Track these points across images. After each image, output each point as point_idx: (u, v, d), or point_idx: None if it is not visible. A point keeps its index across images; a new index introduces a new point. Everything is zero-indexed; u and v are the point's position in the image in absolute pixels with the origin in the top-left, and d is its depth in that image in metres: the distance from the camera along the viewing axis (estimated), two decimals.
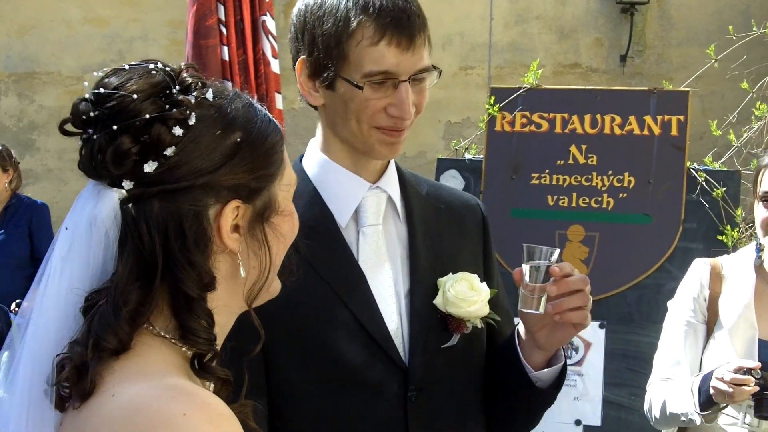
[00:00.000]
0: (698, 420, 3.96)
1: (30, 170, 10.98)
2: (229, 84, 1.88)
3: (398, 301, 2.62)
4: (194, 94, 1.85)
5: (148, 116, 1.77)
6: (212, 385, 1.86)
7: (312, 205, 2.59)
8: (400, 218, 2.70)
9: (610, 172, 5.73)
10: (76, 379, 1.74)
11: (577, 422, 5.69)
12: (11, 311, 6.68)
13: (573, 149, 5.76)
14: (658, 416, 4.29)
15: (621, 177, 5.71)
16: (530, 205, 5.79)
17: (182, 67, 1.92)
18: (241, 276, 1.89)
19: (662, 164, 5.68)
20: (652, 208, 5.67)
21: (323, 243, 2.56)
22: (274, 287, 2.02)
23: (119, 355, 1.76)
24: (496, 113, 5.83)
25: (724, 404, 3.90)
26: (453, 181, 5.94)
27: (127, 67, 1.88)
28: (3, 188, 8.30)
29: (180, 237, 1.79)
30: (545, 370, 2.67)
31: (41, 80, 11.47)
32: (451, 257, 2.72)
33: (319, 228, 2.57)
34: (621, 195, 5.71)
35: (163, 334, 1.81)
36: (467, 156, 6.10)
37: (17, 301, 6.76)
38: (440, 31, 10.96)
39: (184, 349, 1.82)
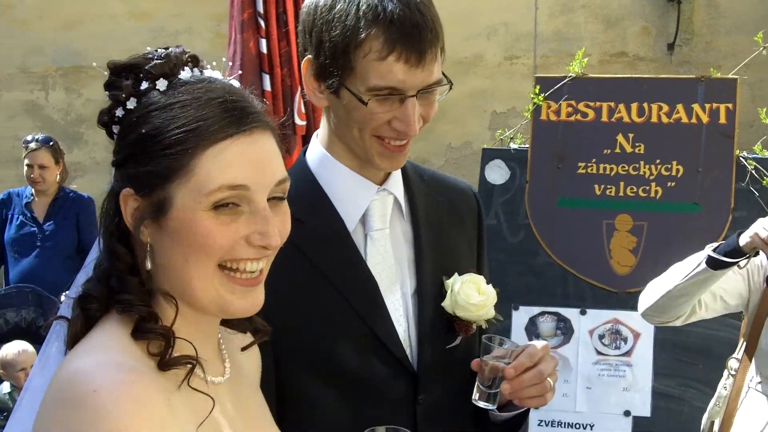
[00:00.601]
0: (704, 272, 4.08)
1: (78, 163, 11.08)
2: (236, 82, 1.82)
3: (405, 303, 2.60)
4: (149, 81, 1.94)
5: (107, 92, 1.97)
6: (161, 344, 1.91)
7: (320, 208, 2.55)
8: (404, 217, 2.66)
9: (658, 161, 5.69)
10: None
11: (626, 413, 5.67)
12: (60, 301, 6.77)
13: (620, 138, 5.73)
14: (652, 293, 4.38)
15: (669, 166, 5.67)
16: (577, 194, 5.76)
17: (168, 55, 1.98)
18: (147, 267, 1.93)
19: (711, 152, 5.63)
20: (701, 197, 5.62)
21: (336, 251, 2.54)
22: (214, 301, 1.94)
23: (101, 317, 1.95)
24: (541, 102, 5.80)
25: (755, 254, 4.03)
26: (498, 171, 5.92)
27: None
28: (54, 180, 8.43)
29: (103, 211, 1.99)
30: (507, 414, 2.68)
31: (88, 74, 11.53)
32: (452, 250, 2.70)
33: (329, 232, 2.54)
34: (669, 184, 5.67)
35: (116, 308, 1.93)
36: (512, 146, 6.06)
37: (65, 292, 6.81)
38: (484, 21, 10.92)
39: (132, 315, 1.92)
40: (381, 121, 2.42)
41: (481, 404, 2.54)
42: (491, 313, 2.61)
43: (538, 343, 2.53)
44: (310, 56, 2.48)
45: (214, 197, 1.87)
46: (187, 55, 1.98)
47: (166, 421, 1.77)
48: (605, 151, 5.74)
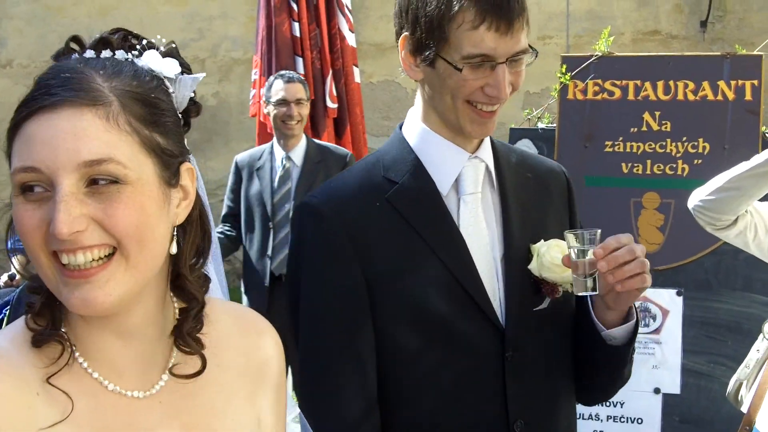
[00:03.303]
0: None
1: None
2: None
3: (495, 265, 2.71)
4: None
5: None
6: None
7: (415, 174, 2.70)
8: (494, 187, 2.77)
9: (685, 139, 5.68)
10: None
11: (656, 390, 5.68)
12: None
13: (646, 116, 5.72)
14: (707, 186, 4.31)
15: (695, 143, 5.66)
16: (604, 173, 5.76)
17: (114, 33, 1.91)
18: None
19: (737, 129, 5.61)
20: None
21: (426, 209, 2.68)
22: (59, 295, 1.77)
23: None
24: (568, 82, 5.81)
25: None
26: (526, 150, 5.94)
27: None
28: None
29: None
30: (618, 328, 2.72)
31: None
32: (539, 223, 2.80)
33: (422, 195, 2.68)
34: (696, 161, 5.67)
35: None
36: (540, 125, 6.08)
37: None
38: None
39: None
40: (473, 88, 2.58)
41: (583, 293, 2.61)
42: None
43: (622, 235, 2.61)
44: (406, 33, 2.66)
45: (15, 179, 1.73)
46: (118, 36, 1.89)
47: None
48: (632, 129, 5.73)
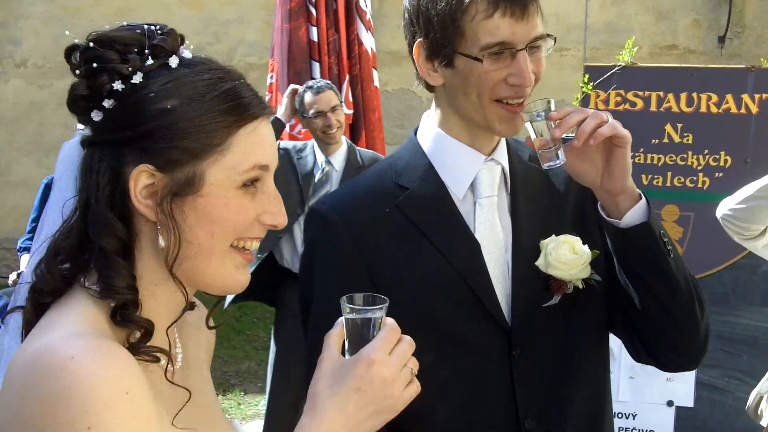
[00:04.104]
0: None
1: None
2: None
3: (505, 265, 2.68)
4: (159, 57, 1.90)
5: (96, 65, 1.87)
6: (138, 334, 1.86)
7: (427, 179, 2.67)
8: (507, 188, 2.74)
9: (706, 151, 5.65)
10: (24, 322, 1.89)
11: (670, 403, 5.66)
12: None
13: (668, 128, 5.69)
14: (734, 197, 4.31)
15: (717, 156, 5.63)
16: None
17: (168, 32, 1.95)
18: (161, 245, 1.89)
19: (759, 143, 5.58)
20: None
21: (438, 214, 2.64)
22: (221, 277, 1.96)
23: (53, 303, 1.87)
24: (590, 91, 5.78)
25: None
26: None
27: (125, 23, 1.97)
28: None
29: (96, 188, 1.86)
30: (630, 211, 2.56)
31: None
32: (551, 219, 2.74)
33: (434, 200, 2.65)
34: (717, 174, 5.64)
35: (88, 286, 1.86)
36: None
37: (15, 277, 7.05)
38: None
39: (109, 302, 1.85)
40: (497, 80, 2.53)
41: (549, 165, 2.53)
42: (586, 272, 2.64)
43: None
44: (420, 39, 2.63)
45: (247, 175, 1.91)
46: (179, 34, 1.97)
47: (147, 390, 1.76)
48: (653, 141, 5.71)
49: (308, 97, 7.18)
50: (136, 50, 1.89)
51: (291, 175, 7.11)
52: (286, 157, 7.15)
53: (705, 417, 5.61)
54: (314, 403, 1.96)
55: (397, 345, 2.02)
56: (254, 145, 1.91)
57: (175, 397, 1.91)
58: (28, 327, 1.89)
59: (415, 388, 2.06)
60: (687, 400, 5.63)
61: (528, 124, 2.54)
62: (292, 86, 7.52)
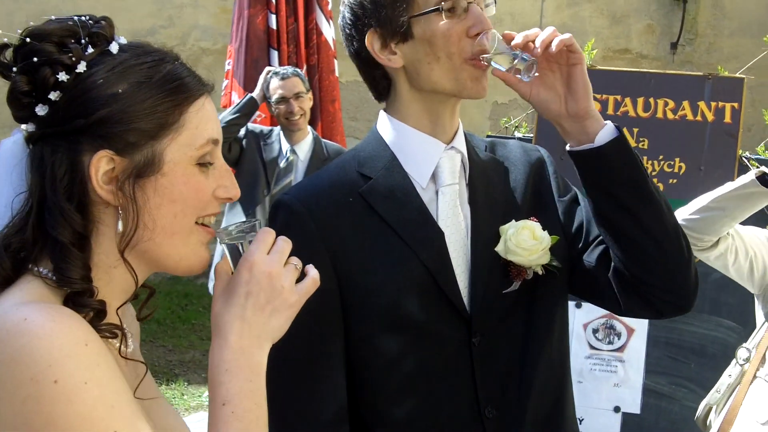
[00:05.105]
0: (751, 185, 4.02)
1: None
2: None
3: (466, 252, 2.68)
4: (99, 45, 1.92)
5: (36, 59, 1.86)
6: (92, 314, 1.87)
7: (390, 169, 2.69)
8: (465, 177, 2.75)
9: (661, 157, 5.66)
10: None
11: (616, 409, 5.67)
12: None
13: (624, 132, 5.69)
14: (690, 206, 4.31)
15: (672, 162, 5.65)
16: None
17: (102, 20, 1.97)
18: (119, 230, 1.91)
19: (714, 151, 5.60)
20: None
21: (401, 204, 2.65)
22: (185, 256, 2.00)
23: (2, 289, 1.86)
24: None
25: None
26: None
27: (53, 17, 1.96)
28: None
29: (52, 181, 1.86)
30: (601, 131, 2.58)
31: None
32: (508, 207, 2.74)
33: (397, 190, 2.67)
34: (671, 181, 5.65)
35: (44, 274, 1.86)
36: (517, 134, 6.04)
37: None
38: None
39: (65, 289, 1.86)
40: (460, 33, 2.55)
41: (530, 76, 2.53)
42: (545, 258, 2.65)
43: None
44: (371, 30, 2.64)
45: (203, 150, 1.96)
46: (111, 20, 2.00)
47: (104, 347, 1.77)
48: None
49: (274, 82, 7.29)
50: (73, 41, 1.90)
51: (258, 160, 7.20)
52: (253, 141, 7.24)
53: (651, 424, 5.63)
54: (216, 324, 1.98)
55: (274, 244, 2.03)
56: (205, 121, 1.97)
57: (131, 373, 1.95)
58: None
59: (312, 282, 2.06)
60: (634, 406, 5.64)
61: (493, 63, 2.54)
62: (267, 68, 7.64)
